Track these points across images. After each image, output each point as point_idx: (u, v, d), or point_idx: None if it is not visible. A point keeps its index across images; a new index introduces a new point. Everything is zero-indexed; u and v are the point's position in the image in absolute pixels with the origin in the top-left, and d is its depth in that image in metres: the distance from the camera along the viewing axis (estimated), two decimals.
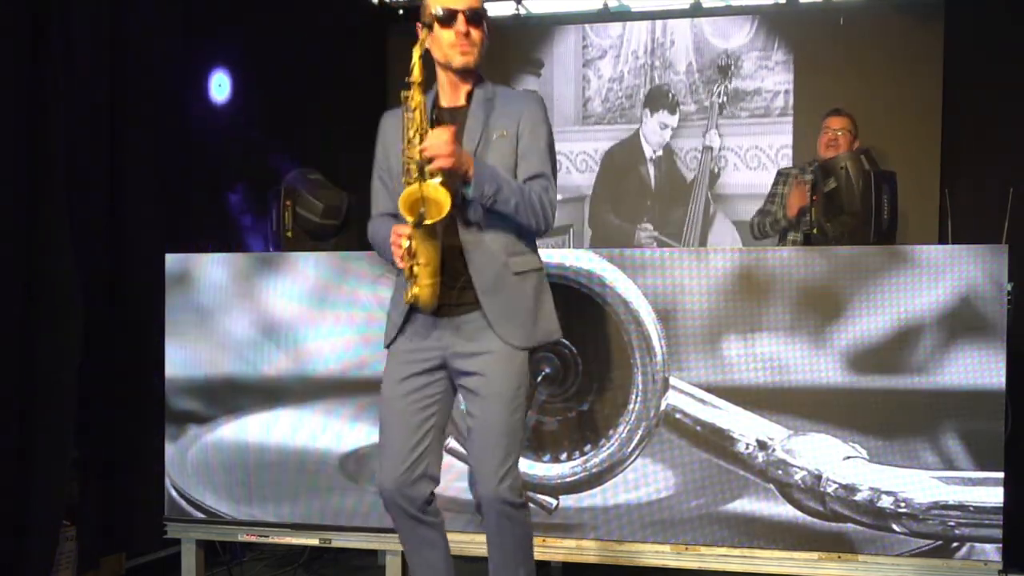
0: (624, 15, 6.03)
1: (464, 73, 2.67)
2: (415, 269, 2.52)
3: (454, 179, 2.49)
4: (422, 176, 2.46)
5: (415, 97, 2.50)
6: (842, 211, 3.56)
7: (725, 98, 5.80)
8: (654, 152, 5.89)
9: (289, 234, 3.93)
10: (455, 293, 2.61)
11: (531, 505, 3.51)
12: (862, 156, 3.61)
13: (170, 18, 4.35)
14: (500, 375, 2.60)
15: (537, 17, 6.13)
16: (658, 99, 5.89)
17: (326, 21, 5.52)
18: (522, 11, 6.05)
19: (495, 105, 2.68)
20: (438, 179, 2.46)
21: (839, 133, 4.49)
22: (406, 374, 2.68)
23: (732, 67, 5.77)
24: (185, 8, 4.43)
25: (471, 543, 3.41)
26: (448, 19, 2.59)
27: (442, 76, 2.70)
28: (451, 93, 2.70)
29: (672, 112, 5.86)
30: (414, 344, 2.68)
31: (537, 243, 2.75)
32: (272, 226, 4.00)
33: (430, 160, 2.45)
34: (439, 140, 2.45)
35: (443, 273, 2.58)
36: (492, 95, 2.70)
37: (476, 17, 2.61)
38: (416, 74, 2.49)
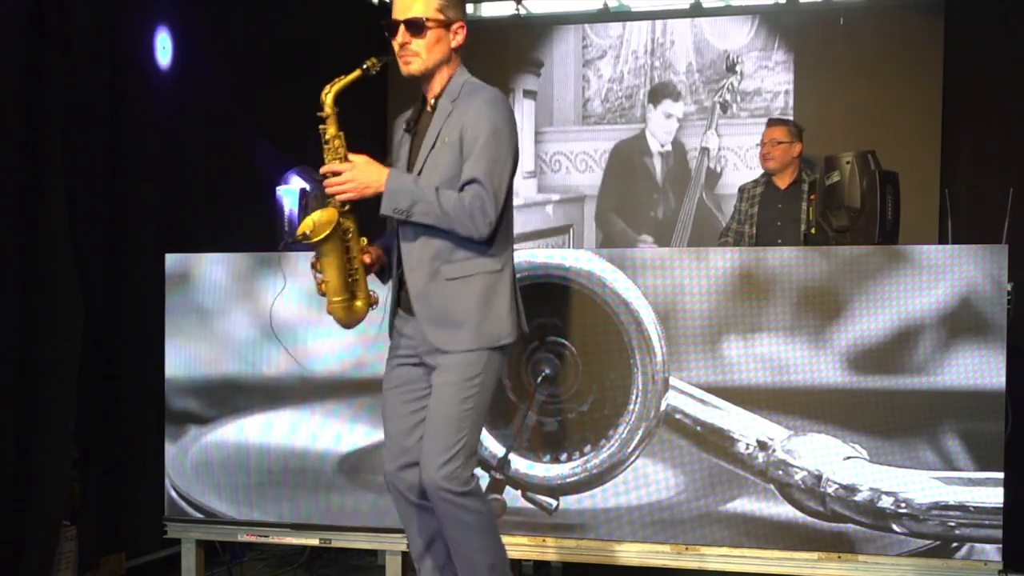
0: (624, 15, 6.03)
1: (426, 78, 2.71)
2: (322, 287, 2.71)
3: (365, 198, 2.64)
4: (332, 201, 2.66)
5: (329, 130, 2.66)
6: (841, 205, 3.57)
7: (729, 96, 5.79)
8: (662, 146, 5.90)
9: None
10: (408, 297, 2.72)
11: (531, 505, 3.53)
12: (869, 155, 3.62)
13: (169, 15, 4.35)
14: (450, 367, 2.64)
15: (537, 17, 6.14)
16: (660, 92, 5.89)
17: (326, 21, 5.52)
18: (522, 11, 6.06)
19: (452, 108, 2.67)
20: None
21: (771, 146, 4.60)
22: (394, 367, 2.80)
23: (739, 65, 5.77)
24: (183, 10, 4.43)
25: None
26: (390, 30, 2.67)
27: (421, 81, 2.74)
28: (427, 97, 2.75)
29: (676, 100, 5.86)
30: (401, 340, 2.78)
31: (504, 245, 2.69)
32: (285, 225, 3.98)
33: (339, 195, 2.63)
34: (339, 179, 2.60)
35: (405, 284, 2.69)
36: (456, 96, 2.68)
37: (415, 26, 2.62)
38: (326, 110, 2.68)
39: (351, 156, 2.65)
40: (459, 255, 2.64)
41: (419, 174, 2.64)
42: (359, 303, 2.75)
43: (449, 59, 2.70)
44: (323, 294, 2.72)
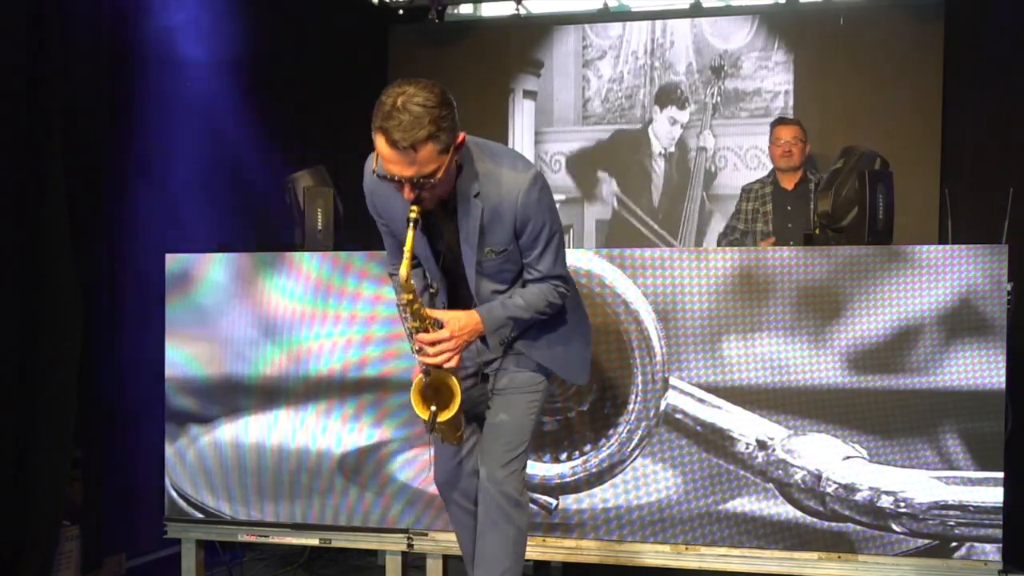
0: (624, 15, 6.04)
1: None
2: (438, 435, 2.64)
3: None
4: (427, 374, 2.54)
5: (406, 296, 2.46)
6: (830, 186, 3.69)
7: (719, 98, 5.80)
8: (664, 148, 5.90)
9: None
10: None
11: (532, 506, 3.52)
12: (878, 158, 3.67)
13: (169, 16, 4.35)
14: (525, 377, 2.69)
15: (537, 17, 6.14)
16: (667, 95, 5.90)
17: (326, 21, 5.52)
18: (522, 11, 6.05)
19: (484, 206, 2.47)
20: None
21: (792, 144, 4.66)
22: None
23: (725, 68, 5.78)
24: (185, 6, 4.43)
25: None
26: (396, 183, 2.37)
27: None
28: (440, 205, 2.53)
29: (681, 108, 5.86)
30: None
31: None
32: (301, 222, 3.98)
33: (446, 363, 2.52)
34: (439, 348, 2.48)
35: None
36: (478, 190, 2.47)
37: (423, 182, 2.33)
38: (404, 272, 2.37)
39: (432, 314, 2.52)
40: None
41: (475, 275, 2.56)
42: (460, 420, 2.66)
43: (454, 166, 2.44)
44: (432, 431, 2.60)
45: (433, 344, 2.49)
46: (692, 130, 5.87)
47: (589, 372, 2.84)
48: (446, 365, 2.51)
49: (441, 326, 2.51)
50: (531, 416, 2.70)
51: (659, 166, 5.92)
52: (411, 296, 2.46)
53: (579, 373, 2.82)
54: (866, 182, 3.47)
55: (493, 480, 2.61)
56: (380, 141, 2.31)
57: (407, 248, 2.36)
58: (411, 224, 2.36)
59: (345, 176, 4.26)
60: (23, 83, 3.50)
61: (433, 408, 2.50)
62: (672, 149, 5.89)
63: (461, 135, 2.38)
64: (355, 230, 3.96)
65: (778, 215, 4.71)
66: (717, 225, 5.71)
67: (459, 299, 2.65)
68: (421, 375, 2.56)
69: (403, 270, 2.36)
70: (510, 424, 2.66)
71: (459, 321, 2.51)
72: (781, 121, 4.86)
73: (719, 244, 4.90)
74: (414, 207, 2.36)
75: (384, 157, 2.32)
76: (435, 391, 2.55)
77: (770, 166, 4.94)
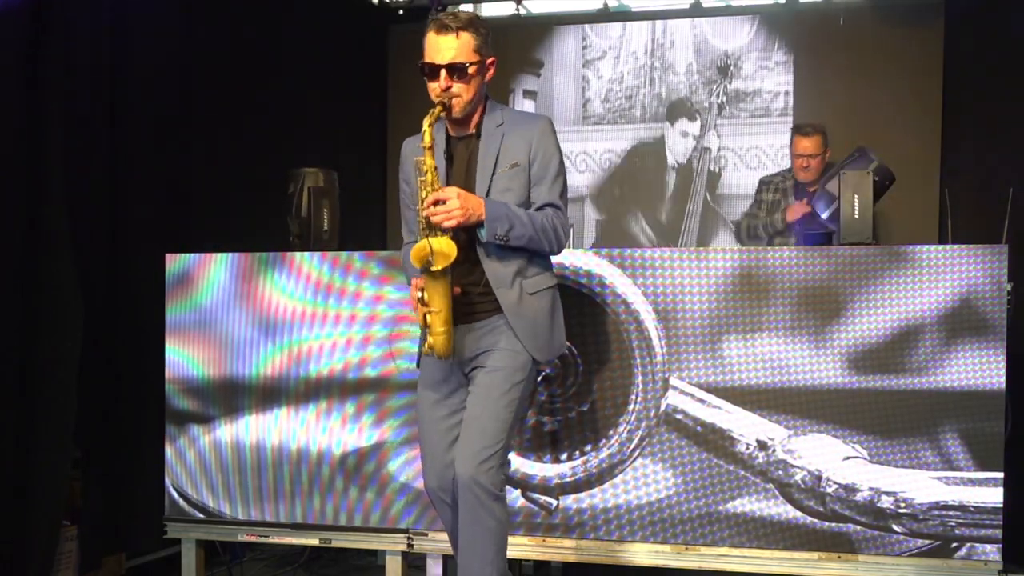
0: (624, 15, 6.03)
1: (463, 116, 2.78)
2: (428, 317, 2.71)
3: (468, 226, 2.68)
4: (432, 231, 2.68)
5: (427, 161, 2.68)
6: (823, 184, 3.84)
7: (724, 99, 5.80)
8: (677, 162, 5.89)
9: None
10: (468, 305, 2.78)
11: (531, 505, 3.53)
12: (873, 161, 3.68)
13: (169, 15, 4.35)
14: (500, 369, 2.76)
15: (537, 17, 6.14)
16: (677, 110, 5.89)
17: (326, 21, 5.52)
18: (522, 11, 6.05)
19: (505, 133, 2.78)
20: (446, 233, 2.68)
21: (810, 158, 4.47)
22: (435, 381, 2.87)
23: (732, 68, 5.77)
24: (184, 9, 4.43)
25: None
26: (431, 73, 2.72)
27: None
28: (459, 124, 2.82)
29: (692, 119, 5.86)
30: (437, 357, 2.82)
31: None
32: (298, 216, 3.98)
33: (445, 223, 2.65)
34: (446, 207, 2.63)
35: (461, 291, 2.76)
36: (501, 121, 2.80)
37: (457, 70, 2.69)
38: (427, 140, 2.66)
39: (442, 188, 2.69)
40: (532, 271, 2.81)
41: (487, 195, 2.73)
42: (453, 343, 2.75)
43: (483, 94, 2.80)
44: (426, 326, 2.72)
45: (438, 203, 2.63)
46: (699, 132, 5.86)
47: (553, 354, 2.89)
48: (445, 224, 2.64)
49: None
50: (510, 411, 2.75)
51: (671, 180, 5.90)
52: (432, 161, 2.68)
53: (565, 342, 2.90)
54: (838, 183, 3.53)
55: (471, 476, 2.67)
56: (429, 34, 2.71)
57: (437, 111, 2.67)
58: (427, 151, 2.66)
59: (345, 176, 4.26)
60: (23, 83, 3.50)
61: (429, 259, 2.64)
62: (683, 162, 5.88)
63: (493, 66, 2.77)
64: (355, 230, 3.96)
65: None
66: (719, 226, 5.72)
67: (460, 243, 2.71)
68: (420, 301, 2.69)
69: (426, 134, 2.65)
70: (489, 419, 2.72)
71: (466, 194, 2.66)
72: (800, 131, 4.57)
73: (740, 228, 4.83)
74: (428, 130, 2.65)
75: (429, 48, 2.70)
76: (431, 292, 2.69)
77: (772, 166, 4.93)
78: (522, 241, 2.71)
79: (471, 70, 2.70)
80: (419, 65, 2.74)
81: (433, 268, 2.64)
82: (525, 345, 2.76)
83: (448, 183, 2.76)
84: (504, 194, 2.75)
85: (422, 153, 2.70)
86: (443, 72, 2.69)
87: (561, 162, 2.82)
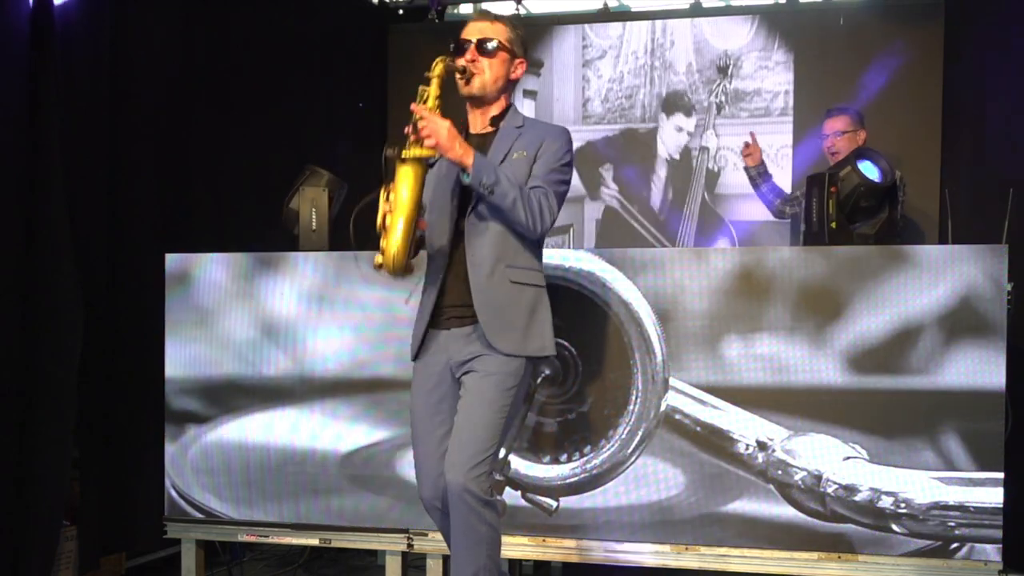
0: (624, 15, 6.03)
1: (478, 100, 2.83)
2: (387, 219, 2.65)
3: (453, 163, 2.67)
4: (418, 142, 2.64)
5: (430, 91, 2.68)
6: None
7: (724, 98, 5.79)
8: (670, 155, 5.89)
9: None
10: (461, 308, 2.75)
11: (531, 506, 3.53)
12: (847, 168, 3.69)
13: (169, 15, 4.35)
14: (489, 374, 2.72)
15: (537, 17, 6.13)
16: (674, 102, 5.89)
17: (326, 21, 5.52)
18: (522, 11, 6.05)
19: (522, 133, 2.82)
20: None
21: (834, 137, 4.50)
22: (425, 389, 2.84)
23: (731, 67, 5.77)
24: (184, 9, 4.43)
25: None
26: (460, 49, 2.81)
27: (470, 105, 2.87)
28: (478, 121, 2.87)
29: (688, 115, 5.85)
30: (430, 358, 2.83)
31: (541, 265, 2.87)
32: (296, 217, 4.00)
33: (427, 136, 2.62)
34: (438, 126, 2.60)
35: (448, 294, 2.76)
36: (521, 124, 2.85)
37: (486, 45, 2.78)
38: (436, 71, 2.70)
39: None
40: (520, 262, 2.77)
41: None
42: (407, 255, 2.67)
43: (507, 90, 2.86)
44: (383, 229, 2.66)
45: (426, 120, 2.61)
46: (695, 130, 5.86)
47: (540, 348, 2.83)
48: (426, 143, 2.61)
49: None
50: (501, 416, 2.71)
51: (662, 172, 5.90)
52: (438, 91, 2.69)
53: (551, 344, 2.82)
54: (806, 182, 3.55)
55: (458, 486, 2.63)
56: (468, 25, 2.84)
57: (434, 83, 2.70)
58: (434, 80, 2.68)
59: (345, 176, 4.26)
60: (23, 83, 3.50)
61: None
62: (677, 157, 5.88)
63: (522, 67, 2.86)
64: (355, 230, 3.96)
65: None
66: (718, 226, 5.72)
67: (452, 232, 2.75)
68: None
69: (440, 63, 2.72)
70: (480, 426, 2.68)
71: (456, 132, 2.64)
72: (829, 113, 4.62)
73: (781, 210, 4.88)
74: (440, 65, 2.70)
75: (465, 30, 2.82)
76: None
77: (772, 166, 4.93)
78: (505, 201, 2.65)
79: (499, 52, 2.78)
80: (450, 47, 2.82)
81: (405, 153, 2.63)
82: (485, 330, 2.69)
83: (452, 194, 2.79)
84: None
85: (439, 179, 2.76)
86: (472, 46, 2.78)
87: (566, 165, 2.81)
